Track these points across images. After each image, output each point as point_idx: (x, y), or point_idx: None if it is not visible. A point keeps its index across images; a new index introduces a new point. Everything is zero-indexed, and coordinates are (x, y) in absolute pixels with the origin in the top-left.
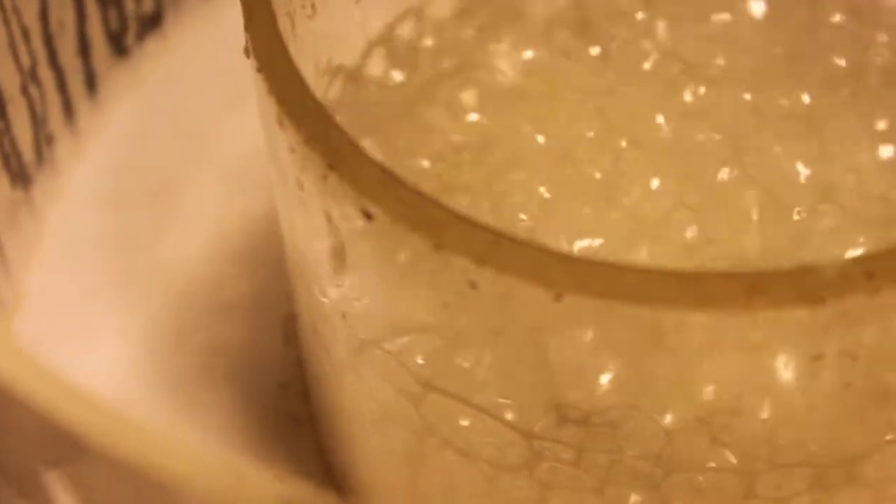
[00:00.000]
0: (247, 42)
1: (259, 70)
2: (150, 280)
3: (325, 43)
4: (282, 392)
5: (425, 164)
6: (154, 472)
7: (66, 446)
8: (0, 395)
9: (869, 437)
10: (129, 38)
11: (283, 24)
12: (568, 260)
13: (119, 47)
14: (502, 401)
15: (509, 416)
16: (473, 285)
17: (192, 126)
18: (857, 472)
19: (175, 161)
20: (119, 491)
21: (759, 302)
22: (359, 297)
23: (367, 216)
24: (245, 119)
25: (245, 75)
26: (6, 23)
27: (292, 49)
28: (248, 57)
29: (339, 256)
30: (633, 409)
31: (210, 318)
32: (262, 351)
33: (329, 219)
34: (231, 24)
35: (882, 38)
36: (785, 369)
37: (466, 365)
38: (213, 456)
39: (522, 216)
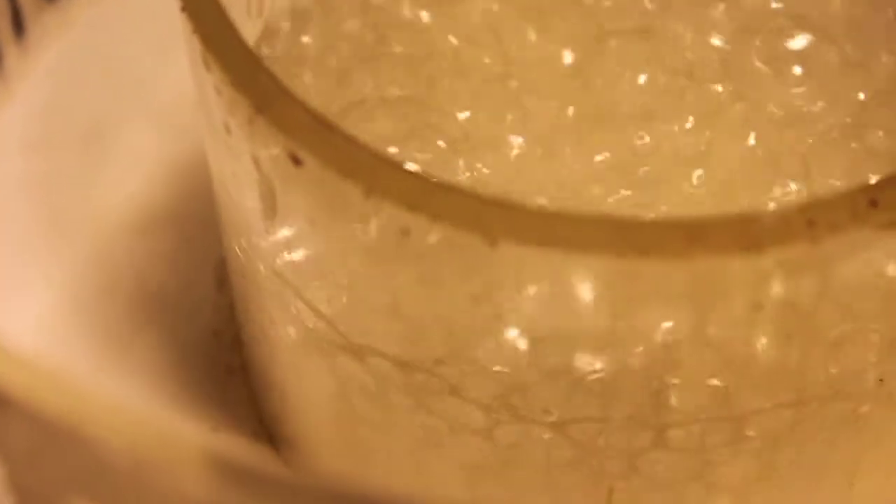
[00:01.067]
0: None
1: (183, 9)
2: (78, 226)
3: None
4: (214, 340)
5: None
6: (77, 427)
7: None
8: None
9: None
10: None
11: None
12: (503, 206)
13: None
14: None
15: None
16: (406, 232)
17: (122, 70)
18: (798, 425)
19: (105, 106)
20: (41, 445)
21: (698, 250)
22: (288, 246)
23: (296, 161)
24: (177, 63)
25: (177, 17)
26: None
27: None
28: None
29: (268, 203)
30: (568, 367)
31: (141, 265)
32: (195, 298)
33: (257, 164)
34: None
35: None
36: (725, 319)
37: (395, 319)
38: (140, 409)
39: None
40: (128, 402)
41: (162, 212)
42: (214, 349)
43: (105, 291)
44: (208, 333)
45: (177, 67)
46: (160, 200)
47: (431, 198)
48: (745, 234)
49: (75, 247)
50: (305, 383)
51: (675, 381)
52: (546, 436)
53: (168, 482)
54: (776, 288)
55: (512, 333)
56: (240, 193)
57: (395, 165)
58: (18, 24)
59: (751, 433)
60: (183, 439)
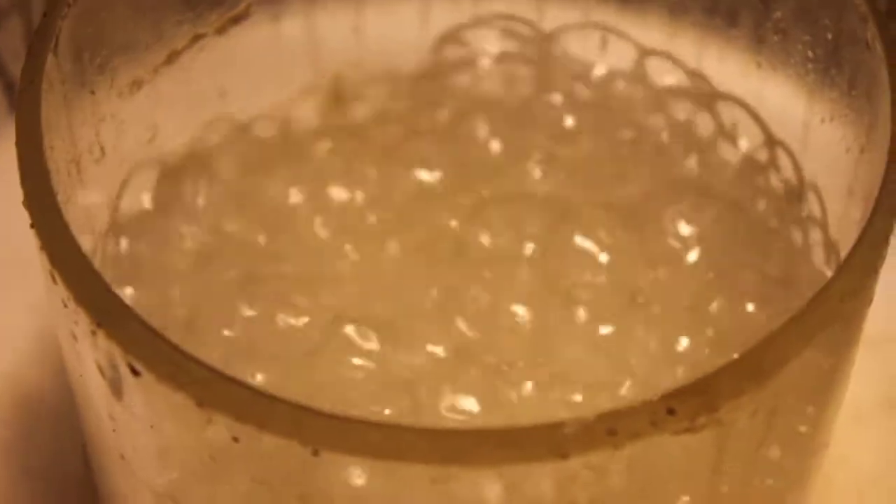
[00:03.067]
0: (23, 196)
1: (32, 226)
2: None
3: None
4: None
5: None
6: None
7: None
8: None
9: None
10: None
11: (69, 169)
12: (324, 416)
13: None
14: None
15: None
16: (236, 440)
17: None
18: None
19: None
20: None
21: (508, 456)
22: (133, 442)
23: (135, 372)
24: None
25: None
26: None
27: (74, 194)
28: (26, 209)
29: (113, 405)
30: None
31: (15, 441)
32: (63, 475)
33: (101, 370)
34: None
35: None
36: None
37: None
38: None
39: None
40: None
41: (32, 389)
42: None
43: None
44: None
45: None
46: (33, 375)
47: (258, 409)
48: (552, 441)
49: None
50: None
51: None
52: None
53: None
54: (586, 486)
55: None
56: (88, 392)
57: (226, 378)
58: None
59: None
60: None
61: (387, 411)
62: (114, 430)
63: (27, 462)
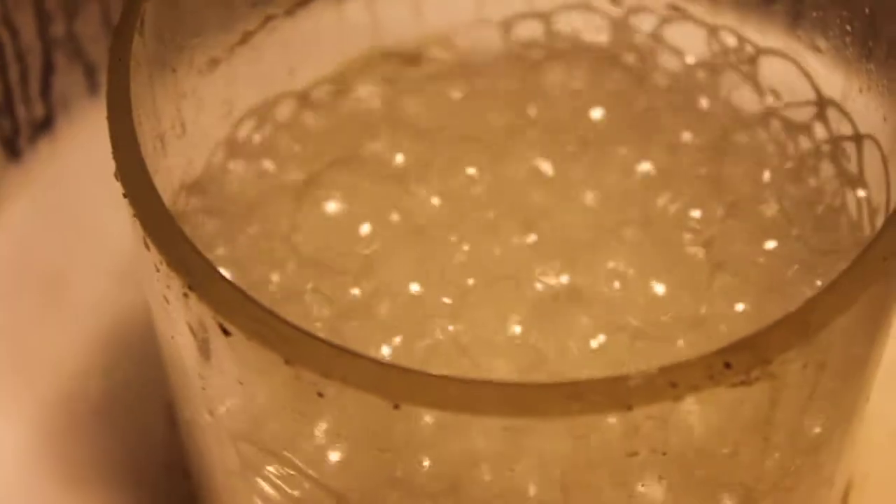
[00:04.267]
0: (116, 168)
1: (125, 195)
2: (42, 367)
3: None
4: (166, 473)
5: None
6: None
7: None
8: None
9: None
10: (22, 142)
11: (154, 145)
12: (404, 372)
13: (13, 150)
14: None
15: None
16: (321, 395)
17: (80, 223)
18: None
19: (64, 256)
20: None
21: (576, 408)
22: (222, 399)
23: (225, 332)
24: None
25: None
26: None
27: (161, 167)
28: (118, 180)
29: (203, 363)
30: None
31: (98, 405)
32: (148, 434)
33: (192, 331)
34: None
35: None
36: (605, 465)
37: (320, 457)
38: None
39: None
40: None
41: (116, 354)
42: (165, 481)
43: (67, 430)
44: (160, 466)
45: (128, 221)
46: (115, 344)
47: (342, 365)
48: (616, 394)
49: (39, 388)
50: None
51: None
52: None
53: None
54: (647, 437)
55: (418, 482)
56: (179, 352)
57: (312, 336)
58: None
59: None
60: None
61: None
62: (203, 389)
63: (114, 426)
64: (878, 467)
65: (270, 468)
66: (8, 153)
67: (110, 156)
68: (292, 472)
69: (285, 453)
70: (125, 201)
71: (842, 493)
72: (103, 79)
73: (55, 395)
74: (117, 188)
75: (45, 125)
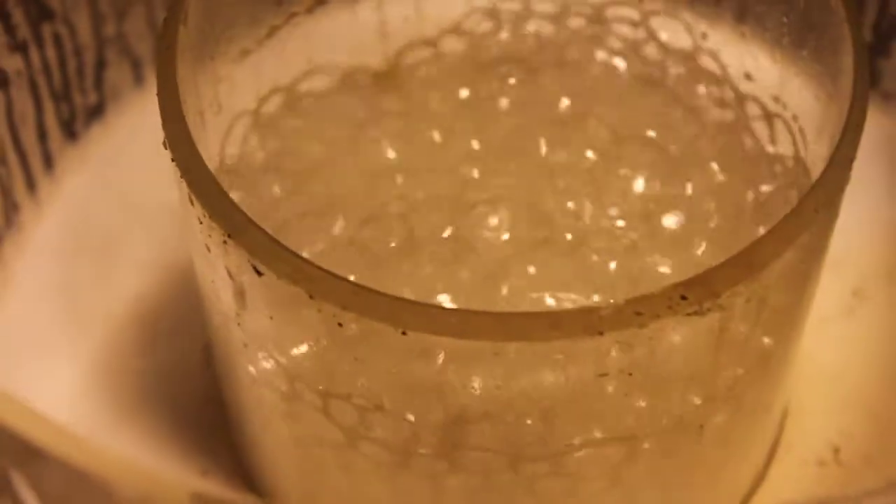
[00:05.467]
0: (165, 137)
1: (173, 160)
2: (95, 316)
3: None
4: (202, 405)
5: None
6: (97, 475)
7: (25, 452)
8: None
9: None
10: (78, 125)
11: (195, 120)
12: (411, 304)
13: (70, 132)
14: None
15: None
16: (340, 325)
17: (127, 194)
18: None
19: (115, 223)
20: (69, 491)
21: (555, 334)
22: (254, 331)
23: (258, 272)
24: (168, 188)
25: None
26: None
27: (201, 138)
28: (166, 148)
29: (239, 302)
30: (462, 417)
31: (144, 346)
32: (188, 373)
33: (230, 274)
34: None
35: None
36: (581, 382)
37: (342, 381)
38: (145, 461)
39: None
40: (135, 456)
41: (159, 305)
42: (204, 412)
43: (116, 371)
44: (198, 400)
45: (170, 192)
46: (158, 296)
47: (357, 299)
48: (590, 321)
49: (93, 333)
50: (274, 437)
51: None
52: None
53: None
54: (616, 359)
55: (425, 397)
56: (218, 295)
57: (332, 275)
58: (48, 160)
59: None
60: (176, 484)
61: None
62: (238, 325)
63: (158, 366)
64: (809, 400)
65: (298, 393)
66: (66, 135)
67: (153, 137)
68: (316, 395)
69: (311, 379)
70: (171, 166)
71: (779, 420)
72: (148, 72)
73: (106, 340)
74: (159, 164)
75: (97, 111)
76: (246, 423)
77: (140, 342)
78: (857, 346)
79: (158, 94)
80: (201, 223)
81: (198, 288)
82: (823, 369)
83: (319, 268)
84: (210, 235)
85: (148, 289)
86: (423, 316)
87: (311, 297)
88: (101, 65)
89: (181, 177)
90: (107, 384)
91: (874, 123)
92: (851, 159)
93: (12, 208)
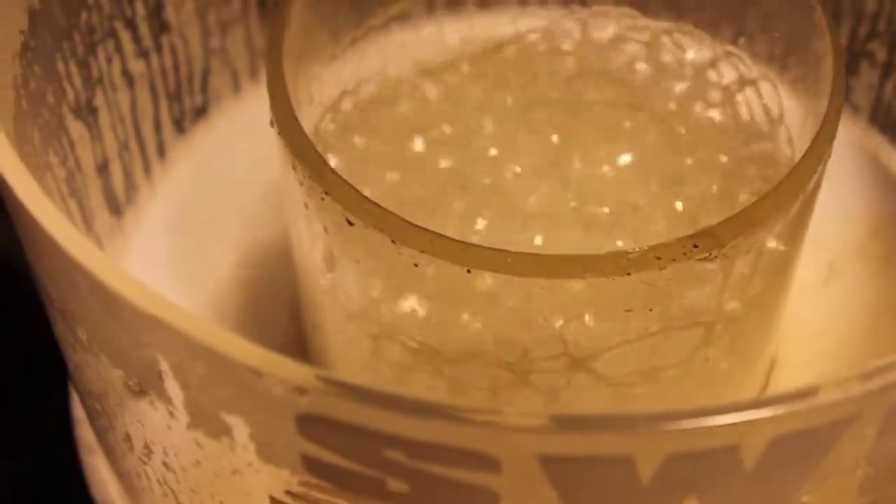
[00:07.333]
0: (272, 117)
1: (279, 133)
2: (199, 281)
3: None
4: (288, 349)
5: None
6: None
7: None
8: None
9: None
10: (187, 122)
11: (294, 106)
12: (475, 248)
13: (180, 128)
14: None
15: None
16: (416, 265)
17: (225, 181)
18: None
19: (216, 202)
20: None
21: (589, 274)
22: (344, 277)
23: (350, 223)
24: (262, 175)
25: (261, 149)
26: (110, 114)
27: (301, 118)
28: (272, 126)
29: (329, 256)
30: (514, 338)
31: (240, 309)
32: (276, 326)
33: (325, 227)
34: (253, 114)
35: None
36: (608, 317)
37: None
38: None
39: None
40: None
41: (253, 273)
42: (291, 350)
43: (221, 324)
44: (285, 350)
45: (262, 177)
46: (252, 265)
47: (431, 244)
48: (618, 264)
49: (196, 299)
50: (350, 355)
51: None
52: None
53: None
54: (639, 297)
55: (479, 323)
56: (313, 247)
57: (410, 224)
58: (161, 149)
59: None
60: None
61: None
62: (329, 272)
63: (252, 324)
64: (792, 353)
65: (378, 336)
66: (177, 129)
67: (247, 135)
68: (393, 335)
69: (390, 320)
70: (272, 147)
71: (766, 371)
72: (244, 81)
73: (208, 304)
74: (253, 156)
75: (202, 111)
76: (330, 366)
77: (236, 306)
78: (833, 309)
79: (268, 83)
80: (301, 185)
81: (290, 248)
82: (805, 328)
83: (400, 217)
84: (309, 195)
85: (243, 258)
86: (484, 256)
87: (392, 242)
88: (206, 72)
89: (285, 146)
90: None
91: (845, 131)
92: (832, 138)
93: (132, 188)
